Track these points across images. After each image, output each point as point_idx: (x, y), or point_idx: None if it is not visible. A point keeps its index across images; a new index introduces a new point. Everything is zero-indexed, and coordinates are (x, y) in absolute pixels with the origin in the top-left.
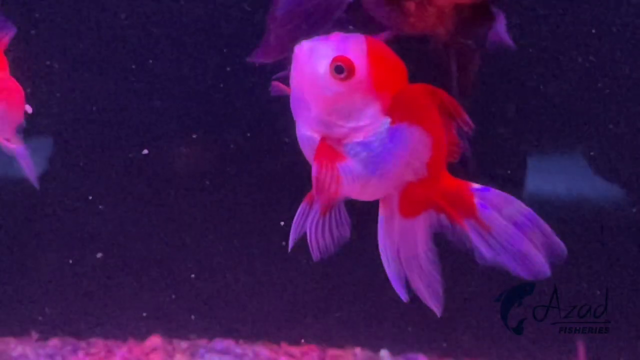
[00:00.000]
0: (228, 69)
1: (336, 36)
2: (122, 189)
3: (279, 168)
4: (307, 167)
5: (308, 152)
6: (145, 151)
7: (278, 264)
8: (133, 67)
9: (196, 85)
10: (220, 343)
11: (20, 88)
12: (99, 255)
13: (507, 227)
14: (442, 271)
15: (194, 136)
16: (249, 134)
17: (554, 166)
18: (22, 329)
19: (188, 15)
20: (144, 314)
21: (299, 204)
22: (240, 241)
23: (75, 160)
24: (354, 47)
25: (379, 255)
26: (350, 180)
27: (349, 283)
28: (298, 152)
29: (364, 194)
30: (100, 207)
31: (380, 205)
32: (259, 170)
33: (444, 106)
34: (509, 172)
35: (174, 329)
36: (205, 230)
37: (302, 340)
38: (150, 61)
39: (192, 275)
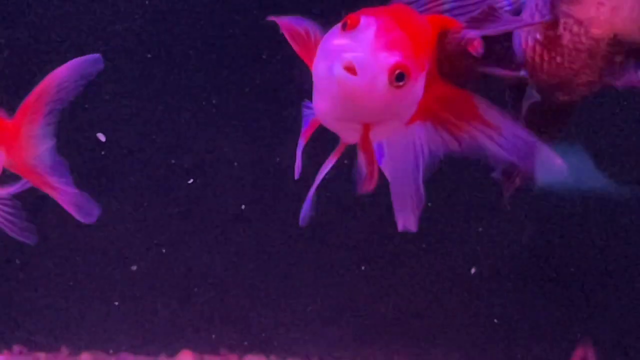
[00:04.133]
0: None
1: (372, 27)
2: (156, 204)
3: None
4: None
5: (333, 125)
6: (191, 180)
7: (310, 278)
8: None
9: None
10: (252, 358)
11: None
12: (134, 267)
13: (514, 125)
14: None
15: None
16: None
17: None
18: (52, 344)
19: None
20: (176, 329)
21: None
22: (270, 256)
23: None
24: (400, 41)
25: None
26: None
27: (388, 299)
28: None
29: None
30: (133, 222)
31: None
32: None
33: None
34: None
35: (205, 344)
36: (235, 245)
37: (336, 354)
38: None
39: (223, 290)
